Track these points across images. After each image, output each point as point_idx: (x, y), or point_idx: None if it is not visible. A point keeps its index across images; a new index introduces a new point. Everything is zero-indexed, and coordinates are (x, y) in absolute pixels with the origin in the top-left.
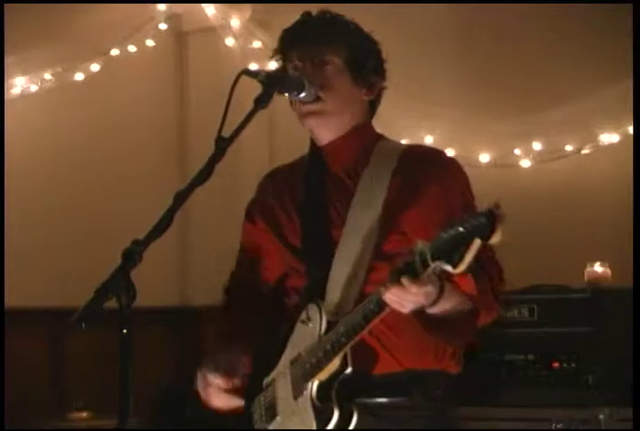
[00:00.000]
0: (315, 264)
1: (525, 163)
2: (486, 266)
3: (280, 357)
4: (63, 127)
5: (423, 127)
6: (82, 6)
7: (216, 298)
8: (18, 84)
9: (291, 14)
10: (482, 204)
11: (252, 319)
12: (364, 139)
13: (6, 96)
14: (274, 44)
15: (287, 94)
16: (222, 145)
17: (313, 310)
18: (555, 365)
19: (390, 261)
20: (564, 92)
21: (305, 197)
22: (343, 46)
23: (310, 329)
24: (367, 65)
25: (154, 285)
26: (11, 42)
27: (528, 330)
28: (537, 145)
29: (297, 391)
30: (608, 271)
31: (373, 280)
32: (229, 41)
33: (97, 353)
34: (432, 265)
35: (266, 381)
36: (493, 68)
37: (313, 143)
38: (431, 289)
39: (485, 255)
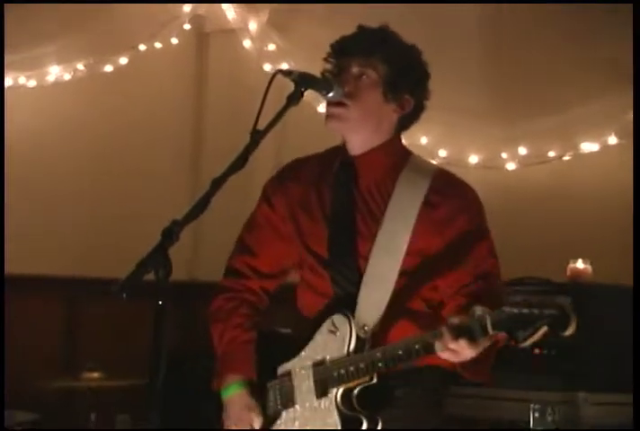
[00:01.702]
0: (343, 276)
1: (510, 166)
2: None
3: (294, 350)
4: (91, 114)
5: (419, 129)
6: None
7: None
8: (53, 73)
9: (305, 20)
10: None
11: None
12: (395, 154)
13: (41, 83)
14: (288, 47)
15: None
16: (256, 137)
17: (341, 321)
18: (537, 351)
19: (407, 277)
20: (552, 102)
21: (333, 206)
22: (382, 62)
23: (338, 339)
24: (401, 84)
25: None
26: (48, 33)
27: None
28: (522, 150)
29: (321, 391)
30: (589, 268)
31: (394, 297)
32: (247, 43)
33: (110, 320)
34: (492, 333)
35: (281, 369)
36: (487, 76)
37: (345, 150)
38: (483, 346)
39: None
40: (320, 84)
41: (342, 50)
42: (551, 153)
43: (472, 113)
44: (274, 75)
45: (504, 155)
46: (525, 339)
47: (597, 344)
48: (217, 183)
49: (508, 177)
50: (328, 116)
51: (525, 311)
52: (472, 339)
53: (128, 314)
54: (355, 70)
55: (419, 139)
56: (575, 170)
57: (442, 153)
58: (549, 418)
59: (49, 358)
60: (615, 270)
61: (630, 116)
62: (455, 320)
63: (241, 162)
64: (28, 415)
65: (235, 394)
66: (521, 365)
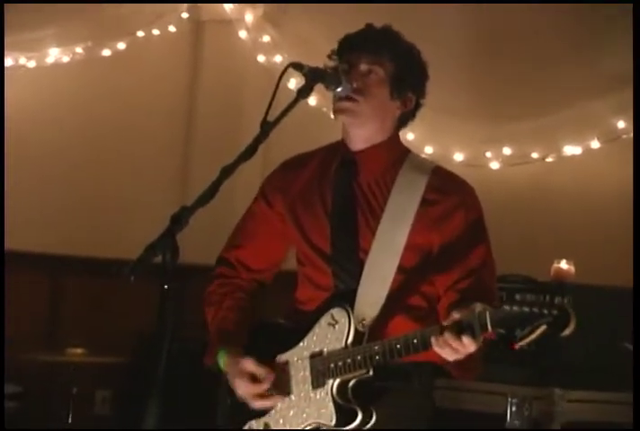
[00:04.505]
0: (345, 271)
1: (494, 165)
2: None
3: (292, 341)
4: (88, 97)
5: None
6: None
7: (204, 257)
8: (52, 55)
9: (299, 15)
10: None
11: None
12: (394, 151)
13: (41, 64)
14: (281, 40)
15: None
16: (266, 128)
17: (340, 314)
18: (516, 346)
19: (406, 272)
20: (537, 104)
21: (335, 202)
22: (390, 61)
23: (337, 332)
24: (405, 82)
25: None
26: (50, 16)
27: None
28: (507, 150)
29: (318, 382)
30: (572, 269)
31: (393, 293)
32: (242, 34)
33: (93, 298)
34: (491, 331)
35: (279, 359)
36: (473, 76)
37: (345, 147)
38: (479, 343)
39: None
40: (329, 79)
41: (351, 47)
42: (534, 155)
43: (458, 112)
44: (286, 69)
45: (489, 155)
46: (522, 339)
47: (576, 343)
48: (227, 172)
49: (491, 176)
50: (339, 110)
51: (525, 309)
52: (472, 336)
53: (111, 293)
54: (363, 67)
55: (405, 135)
56: (557, 172)
57: (428, 149)
58: (526, 413)
59: (34, 334)
60: (594, 270)
61: (614, 121)
62: (456, 316)
63: (250, 151)
64: (12, 387)
65: (227, 356)
66: (500, 358)
